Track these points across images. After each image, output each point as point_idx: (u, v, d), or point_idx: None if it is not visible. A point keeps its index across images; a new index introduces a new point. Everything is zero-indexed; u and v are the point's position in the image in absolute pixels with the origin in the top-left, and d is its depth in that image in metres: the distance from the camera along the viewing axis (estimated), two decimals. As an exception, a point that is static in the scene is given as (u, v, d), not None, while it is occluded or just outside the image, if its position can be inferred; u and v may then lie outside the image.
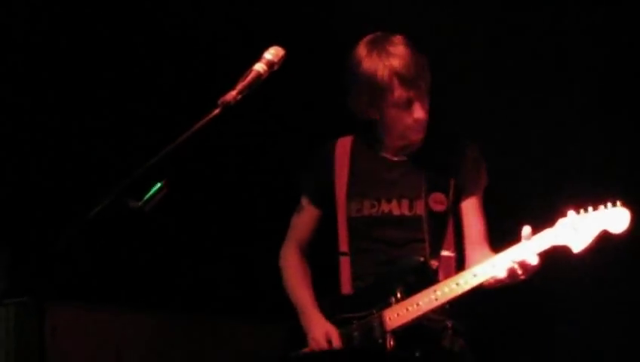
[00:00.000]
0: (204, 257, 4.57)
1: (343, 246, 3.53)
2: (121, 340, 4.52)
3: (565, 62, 4.49)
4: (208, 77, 3.34)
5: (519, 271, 3.20)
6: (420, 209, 3.45)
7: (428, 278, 3.39)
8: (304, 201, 3.64)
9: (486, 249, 3.45)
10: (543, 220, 3.24)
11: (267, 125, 4.58)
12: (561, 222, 3.19)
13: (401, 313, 3.34)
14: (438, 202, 3.45)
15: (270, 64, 2.74)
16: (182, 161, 2.59)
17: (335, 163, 3.56)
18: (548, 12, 4.44)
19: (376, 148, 3.54)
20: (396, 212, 3.47)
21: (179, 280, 4.50)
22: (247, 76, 2.70)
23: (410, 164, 3.50)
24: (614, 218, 3.12)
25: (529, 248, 3.19)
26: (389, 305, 3.37)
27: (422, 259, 3.40)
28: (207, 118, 2.62)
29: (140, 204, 2.51)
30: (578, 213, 3.18)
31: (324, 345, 3.42)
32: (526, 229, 3.21)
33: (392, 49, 3.35)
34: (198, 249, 4.55)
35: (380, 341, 3.35)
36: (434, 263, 3.42)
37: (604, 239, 3.14)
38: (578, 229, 3.15)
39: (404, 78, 3.33)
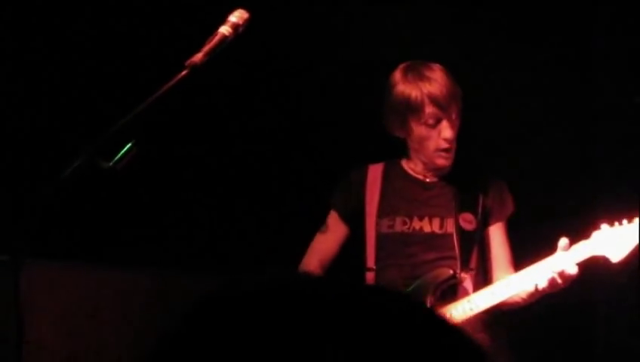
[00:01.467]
0: (181, 216, 4.61)
1: (370, 263, 3.59)
2: (98, 298, 4.57)
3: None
4: (177, 40, 3.39)
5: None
6: (450, 227, 3.54)
7: (458, 290, 3.49)
8: (332, 218, 3.70)
9: (512, 272, 3.54)
10: (575, 234, 3.39)
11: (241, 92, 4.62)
12: (596, 234, 3.34)
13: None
14: (468, 221, 3.55)
15: (235, 26, 2.81)
16: (152, 121, 2.67)
17: (367, 185, 3.64)
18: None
19: (408, 171, 3.65)
20: (427, 229, 3.55)
21: (155, 239, 4.55)
22: (212, 38, 2.78)
23: (441, 185, 3.61)
24: None
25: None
26: None
27: (451, 271, 3.47)
28: (175, 80, 2.70)
29: (111, 164, 2.59)
30: (612, 225, 3.34)
31: None
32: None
33: (428, 73, 3.48)
34: (175, 208, 4.60)
35: None
36: (464, 276, 3.50)
37: None
38: (615, 240, 3.31)
39: (436, 99, 3.44)
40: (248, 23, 2.84)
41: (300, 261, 3.73)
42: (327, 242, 3.70)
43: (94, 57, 4.25)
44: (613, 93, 4.57)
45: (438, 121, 3.47)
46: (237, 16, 2.84)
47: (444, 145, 3.49)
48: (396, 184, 3.65)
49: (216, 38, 2.78)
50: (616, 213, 3.39)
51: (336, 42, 4.55)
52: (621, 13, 4.55)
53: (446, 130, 3.47)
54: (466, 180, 3.61)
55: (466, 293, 3.47)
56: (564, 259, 3.31)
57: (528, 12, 4.58)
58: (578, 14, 4.59)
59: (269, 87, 4.66)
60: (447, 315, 3.37)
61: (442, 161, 3.54)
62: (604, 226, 3.34)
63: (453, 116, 3.48)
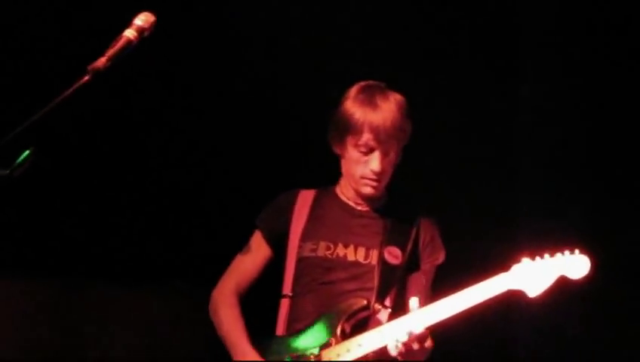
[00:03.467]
0: (83, 222, 4.53)
1: (286, 289, 3.49)
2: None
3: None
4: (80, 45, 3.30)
5: (411, 343, 3.15)
6: (374, 258, 3.43)
7: (370, 323, 3.36)
8: (256, 239, 3.59)
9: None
10: (494, 266, 3.33)
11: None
12: (516, 267, 3.26)
13: (342, 353, 3.30)
14: (394, 256, 3.45)
15: (140, 30, 2.72)
16: (52, 127, 2.58)
17: (295, 209, 3.54)
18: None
19: (340, 196, 3.55)
20: (351, 258, 3.45)
21: (55, 245, 4.45)
22: (116, 43, 2.68)
23: (372, 215, 3.51)
24: (573, 265, 3.23)
25: (418, 319, 3.19)
26: (328, 345, 3.32)
27: (365, 301, 3.36)
28: (76, 85, 2.61)
29: (7, 171, 2.50)
30: (533, 259, 3.26)
31: None
32: (413, 300, 3.23)
33: (379, 101, 3.39)
34: (76, 214, 4.51)
35: None
36: (377, 308, 3.38)
37: (561, 285, 3.25)
38: (534, 274, 3.23)
39: (375, 130, 3.36)
40: (154, 26, 2.75)
41: (218, 280, 3.63)
42: (247, 264, 3.59)
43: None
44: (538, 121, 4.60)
45: (371, 151, 3.39)
46: (142, 20, 2.75)
47: (370, 175, 3.41)
48: (326, 208, 3.55)
49: (121, 42, 2.69)
50: (539, 247, 3.34)
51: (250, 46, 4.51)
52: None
53: (374, 162, 3.39)
54: (400, 214, 3.52)
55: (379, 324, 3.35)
56: (414, 319, 3.19)
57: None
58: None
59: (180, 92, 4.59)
60: (357, 346, 3.27)
61: (367, 190, 3.45)
62: (525, 259, 3.27)
63: (390, 151, 3.40)
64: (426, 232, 3.51)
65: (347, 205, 3.52)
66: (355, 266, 3.43)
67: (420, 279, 3.49)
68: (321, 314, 3.38)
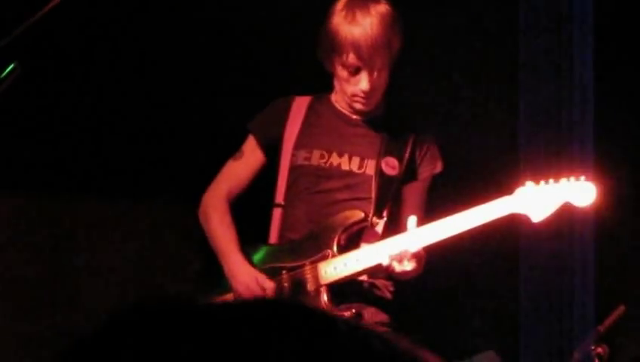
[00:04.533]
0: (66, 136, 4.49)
1: (279, 198, 3.41)
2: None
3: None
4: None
5: (405, 261, 3.11)
6: (369, 169, 3.36)
7: (365, 236, 3.29)
8: (249, 145, 3.48)
9: None
10: (498, 188, 3.26)
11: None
12: (520, 191, 3.16)
13: (338, 266, 3.25)
14: (391, 166, 3.36)
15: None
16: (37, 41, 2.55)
17: (289, 115, 3.44)
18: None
19: (335, 105, 3.45)
20: (345, 167, 3.37)
21: (41, 160, 4.43)
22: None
23: (368, 125, 3.41)
24: (579, 191, 3.13)
25: (414, 237, 3.14)
26: (324, 257, 3.27)
27: (362, 214, 3.29)
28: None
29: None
30: (537, 183, 3.16)
31: (255, 289, 3.29)
32: (411, 219, 3.17)
33: (360, 17, 3.25)
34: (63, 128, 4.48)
35: (314, 294, 3.26)
36: (375, 221, 3.30)
37: (565, 211, 3.17)
38: (539, 199, 3.13)
39: (358, 49, 3.23)
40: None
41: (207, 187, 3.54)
42: (239, 170, 3.49)
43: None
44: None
45: (358, 70, 3.28)
46: None
47: (360, 94, 3.31)
48: (321, 116, 3.46)
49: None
50: (541, 171, 3.27)
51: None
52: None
53: (363, 82, 3.28)
54: (397, 126, 3.43)
55: (374, 240, 3.28)
56: (412, 239, 3.14)
57: None
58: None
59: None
60: (354, 261, 3.22)
61: (359, 106, 3.36)
62: (529, 184, 3.17)
63: (376, 68, 3.27)
64: (424, 142, 3.43)
65: (342, 113, 3.44)
66: (349, 175, 3.37)
67: (416, 190, 3.43)
68: (316, 224, 3.33)
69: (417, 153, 3.42)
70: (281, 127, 3.44)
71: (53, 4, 2.57)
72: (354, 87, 3.31)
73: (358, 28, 3.24)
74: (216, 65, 4.54)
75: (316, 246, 3.31)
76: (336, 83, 3.40)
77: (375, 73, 3.28)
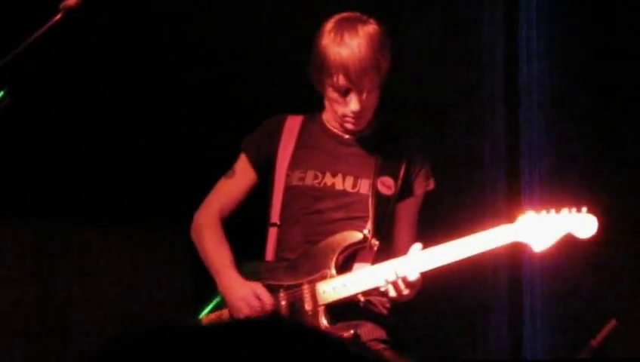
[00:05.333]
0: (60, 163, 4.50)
1: (274, 217, 3.39)
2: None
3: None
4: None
5: (401, 286, 3.10)
6: (363, 188, 3.35)
7: (360, 257, 3.28)
8: (241, 163, 3.46)
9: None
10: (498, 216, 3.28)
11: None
12: (522, 219, 3.15)
13: (337, 287, 3.24)
14: (387, 186, 3.36)
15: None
16: (27, 67, 2.55)
17: (282, 134, 3.43)
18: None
19: (327, 125, 3.42)
20: (339, 187, 3.36)
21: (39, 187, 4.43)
22: (88, -21, 2.65)
23: (361, 144, 3.39)
24: (581, 223, 3.14)
25: (413, 263, 3.13)
26: (323, 277, 3.26)
27: (362, 235, 3.26)
28: (50, 24, 2.58)
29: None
30: (539, 213, 3.15)
31: (253, 302, 3.27)
32: (416, 246, 3.16)
33: (348, 38, 3.23)
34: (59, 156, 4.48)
35: (312, 314, 3.26)
36: (374, 243, 3.28)
37: (566, 242, 3.15)
38: (540, 228, 3.13)
39: (347, 71, 3.22)
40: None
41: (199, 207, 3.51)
42: (231, 188, 3.46)
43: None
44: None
45: (348, 92, 3.26)
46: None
47: (350, 114, 3.29)
48: (313, 136, 3.44)
49: (92, -21, 2.65)
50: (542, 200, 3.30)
51: None
52: None
53: (353, 103, 3.26)
54: (390, 145, 3.41)
55: (369, 259, 3.26)
56: (410, 263, 3.13)
57: None
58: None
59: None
60: (353, 282, 3.22)
61: (350, 127, 3.34)
62: (530, 213, 3.16)
63: (365, 89, 3.26)
64: (417, 159, 3.41)
65: (334, 133, 3.42)
66: (343, 195, 3.35)
67: (410, 207, 3.40)
68: (313, 244, 3.32)
69: (411, 171, 3.41)
70: (274, 146, 3.42)
71: (41, 33, 2.58)
72: (344, 108, 3.29)
73: (346, 49, 3.23)
74: (205, 91, 4.55)
75: (314, 265, 3.29)
76: (326, 103, 3.38)
77: (364, 94, 3.27)
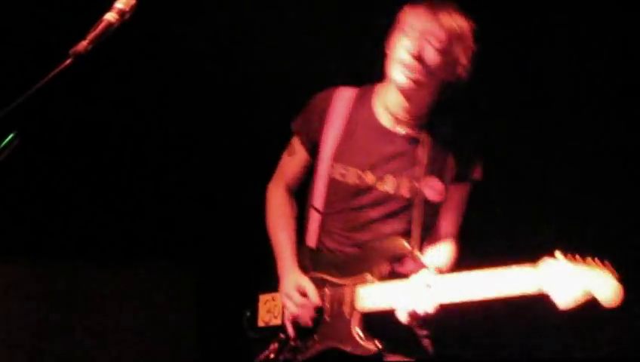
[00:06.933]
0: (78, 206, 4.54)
1: (318, 203, 3.45)
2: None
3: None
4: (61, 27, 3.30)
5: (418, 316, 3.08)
6: (404, 190, 3.34)
7: (401, 265, 3.29)
8: (295, 144, 3.55)
9: (452, 246, 3.40)
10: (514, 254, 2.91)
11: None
12: (547, 263, 2.78)
13: (372, 294, 3.24)
14: (437, 191, 3.35)
15: (121, 13, 2.73)
16: (35, 111, 2.60)
17: (328, 116, 3.44)
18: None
19: (379, 109, 3.41)
20: (380, 188, 3.36)
21: (36, 230, 4.46)
22: (97, 26, 2.70)
23: (409, 141, 3.38)
24: (604, 286, 2.71)
25: (437, 293, 3.05)
26: (364, 281, 3.27)
27: (409, 247, 3.26)
28: (59, 69, 2.63)
29: (-9, 155, 2.51)
30: (566, 256, 2.76)
31: (296, 298, 3.35)
32: (430, 275, 3.09)
33: (440, 14, 3.28)
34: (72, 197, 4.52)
35: (348, 316, 3.27)
36: (417, 254, 3.28)
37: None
38: (568, 279, 2.72)
39: (426, 32, 3.26)
40: (135, 9, 2.77)
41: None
42: (291, 165, 3.58)
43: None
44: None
45: (416, 41, 3.26)
46: (123, 3, 2.76)
47: (407, 61, 3.25)
48: (360, 126, 3.41)
49: (102, 25, 2.70)
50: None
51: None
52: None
53: (415, 49, 3.24)
54: (441, 141, 3.37)
55: (414, 267, 3.24)
56: (435, 293, 3.05)
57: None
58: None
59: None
60: (390, 292, 3.18)
61: (398, 76, 3.29)
62: (559, 255, 2.78)
63: (436, 54, 3.25)
64: (465, 152, 3.39)
65: (383, 128, 3.40)
66: (384, 196, 3.37)
67: (456, 193, 3.39)
68: (364, 246, 3.33)
69: (459, 163, 3.38)
70: (320, 131, 3.46)
71: (50, 77, 2.63)
72: (404, 54, 3.26)
73: (434, 21, 3.26)
74: (208, 128, 4.59)
75: (359, 268, 3.30)
76: (387, 67, 3.33)
77: (431, 53, 3.25)
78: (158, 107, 4.51)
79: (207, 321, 3.53)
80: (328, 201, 3.42)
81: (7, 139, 2.55)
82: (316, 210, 3.43)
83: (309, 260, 3.42)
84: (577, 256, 2.74)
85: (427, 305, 3.07)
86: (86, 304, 4.71)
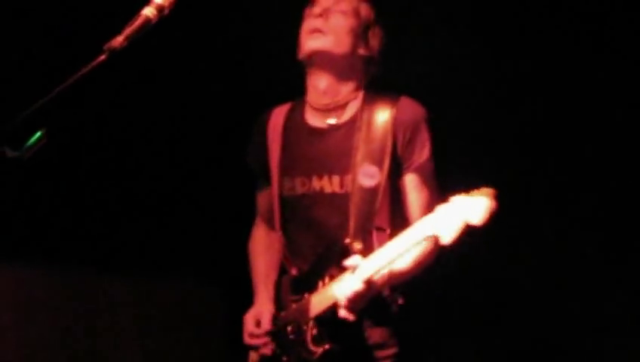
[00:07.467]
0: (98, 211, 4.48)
1: (277, 226, 3.40)
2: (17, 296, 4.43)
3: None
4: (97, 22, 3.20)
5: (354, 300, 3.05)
6: (350, 185, 3.23)
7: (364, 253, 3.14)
8: (256, 175, 3.54)
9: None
10: None
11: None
12: (439, 208, 2.90)
13: (324, 297, 3.17)
14: (368, 176, 3.21)
15: (160, 8, 2.61)
16: (68, 108, 2.48)
17: (268, 136, 3.42)
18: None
19: (307, 113, 3.38)
20: (328, 189, 3.27)
21: (64, 233, 4.39)
22: (135, 21, 2.57)
23: (339, 131, 3.31)
24: (473, 207, 2.80)
25: (359, 275, 3.04)
26: (316, 289, 3.21)
27: (347, 241, 3.16)
28: (93, 65, 2.50)
29: (18, 153, 2.40)
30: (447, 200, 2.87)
31: (250, 328, 3.41)
32: (354, 260, 3.07)
33: None
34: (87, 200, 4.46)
35: (305, 328, 3.23)
36: (357, 245, 3.17)
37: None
38: (449, 215, 2.84)
39: (331, 3, 3.31)
40: (174, 5, 2.64)
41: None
42: (261, 200, 3.57)
43: (4, 39, 4.04)
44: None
45: (318, 16, 3.31)
46: (163, -2, 2.64)
47: (313, 25, 3.29)
48: (294, 134, 3.38)
49: (139, 21, 2.58)
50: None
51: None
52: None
53: (316, 10, 3.31)
54: (372, 119, 3.26)
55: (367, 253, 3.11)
56: (357, 278, 3.03)
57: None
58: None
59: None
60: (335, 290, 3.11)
61: (310, 43, 3.28)
62: (452, 198, 2.86)
63: (339, 17, 3.30)
64: (405, 129, 3.26)
65: (312, 128, 3.35)
66: (333, 198, 3.27)
67: (412, 181, 3.27)
68: (316, 255, 3.27)
69: (399, 145, 3.26)
70: (264, 153, 3.44)
71: (83, 73, 2.51)
72: (311, 21, 3.30)
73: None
74: (229, 137, 4.50)
75: (313, 278, 3.25)
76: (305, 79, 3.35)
77: (335, 18, 3.28)
78: (200, 128, 4.45)
79: (235, 338, 3.47)
80: (284, 220, 3.38)
81: (35, 137, 2.43)
82: (280, 232, 3.40)
83: (289, 286, 3.38)
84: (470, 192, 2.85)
85: (353, 284, 3.03)
86: (110, 317, 4.64)
